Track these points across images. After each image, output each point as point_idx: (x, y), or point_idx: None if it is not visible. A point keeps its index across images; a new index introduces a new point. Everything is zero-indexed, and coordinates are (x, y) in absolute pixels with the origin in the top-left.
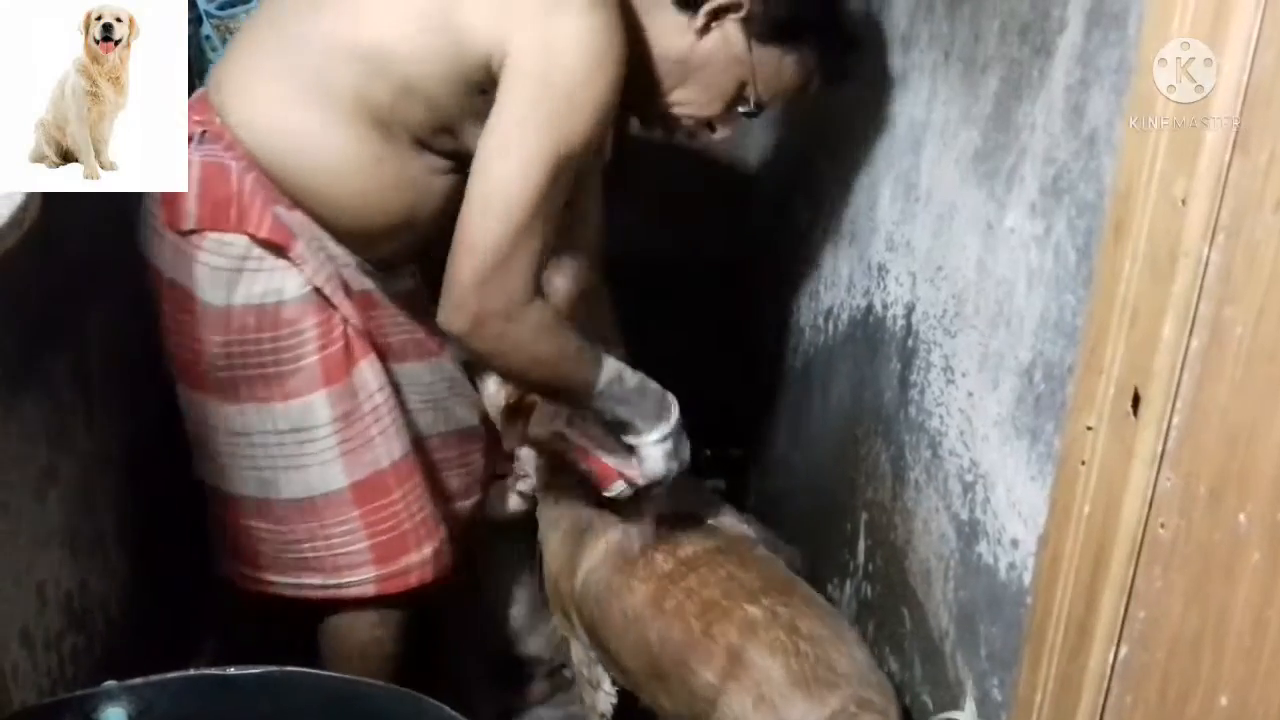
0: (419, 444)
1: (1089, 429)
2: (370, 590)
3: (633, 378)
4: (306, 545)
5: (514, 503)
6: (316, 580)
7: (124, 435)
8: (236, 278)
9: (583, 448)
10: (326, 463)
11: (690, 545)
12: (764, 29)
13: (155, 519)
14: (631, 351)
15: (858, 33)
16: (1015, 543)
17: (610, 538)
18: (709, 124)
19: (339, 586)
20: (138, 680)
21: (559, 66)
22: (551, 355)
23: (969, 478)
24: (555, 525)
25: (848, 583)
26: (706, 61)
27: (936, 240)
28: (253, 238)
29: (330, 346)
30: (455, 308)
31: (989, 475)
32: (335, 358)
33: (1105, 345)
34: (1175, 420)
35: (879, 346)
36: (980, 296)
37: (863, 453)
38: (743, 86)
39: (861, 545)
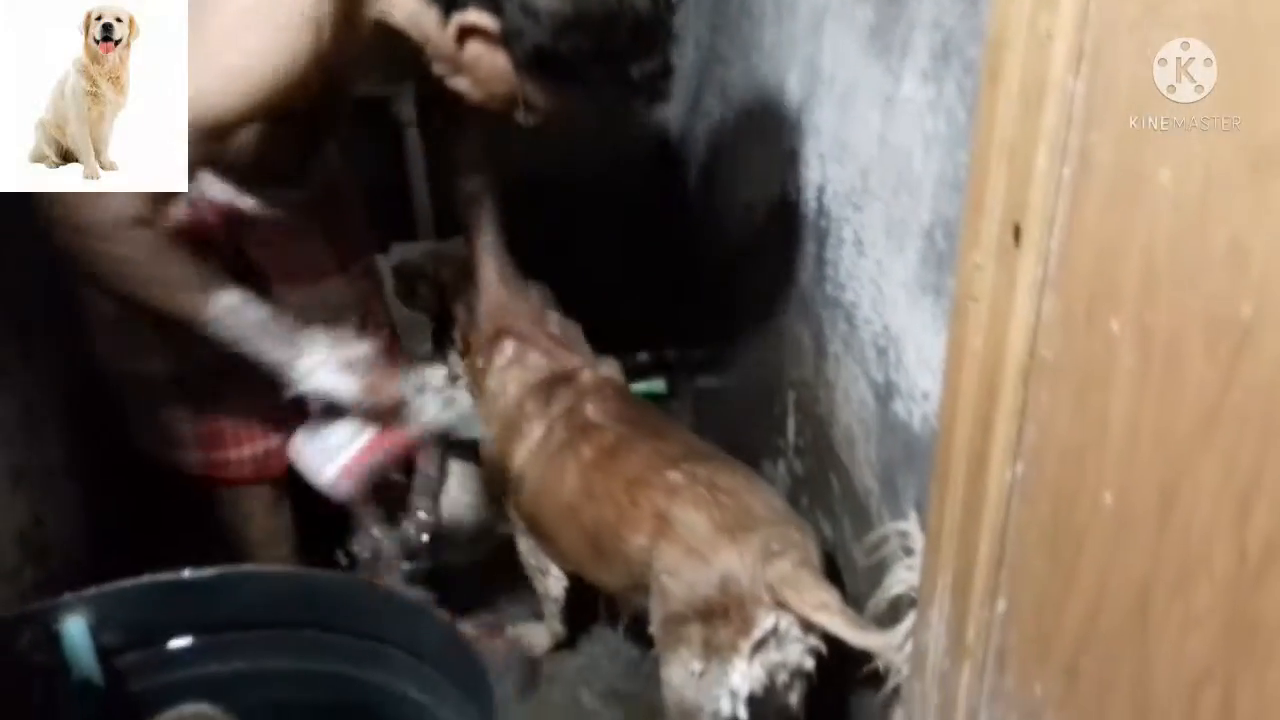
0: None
1: (978, 267)
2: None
3: (256, 312)
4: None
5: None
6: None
7: (63, 371)
8: None
9: None
10: None
11: (611, 431)
12: (523, 59)
13: (108, 452)
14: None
15: (648, 67)
16: (926, 395)
17: (536, 433)
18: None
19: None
20: (94, 590)
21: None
22: (149, 278)
23: (882, 342)
24: (489, 422)
25: (780, 461)
26: (473, 66)
27: (841, 120)
28: None
29: None
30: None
31: (900, 337)
32: None
33: (986, 185)
34: (1053, 246)
35: (794, 230)
36: (883, 168)
37: (786, 335)
38: (516, 100)
39: (790, 423)
